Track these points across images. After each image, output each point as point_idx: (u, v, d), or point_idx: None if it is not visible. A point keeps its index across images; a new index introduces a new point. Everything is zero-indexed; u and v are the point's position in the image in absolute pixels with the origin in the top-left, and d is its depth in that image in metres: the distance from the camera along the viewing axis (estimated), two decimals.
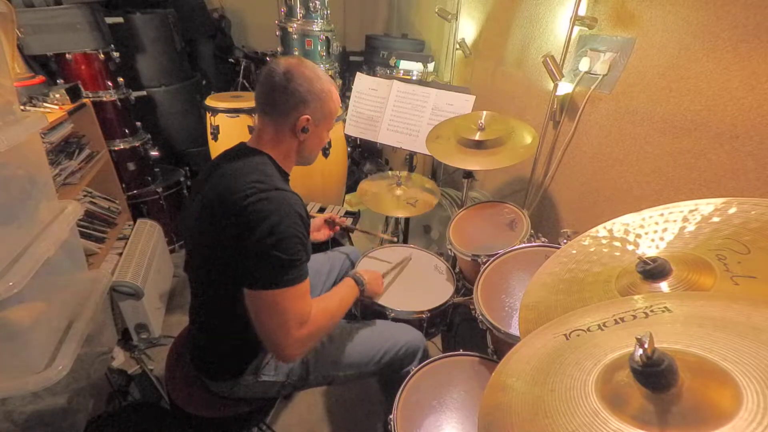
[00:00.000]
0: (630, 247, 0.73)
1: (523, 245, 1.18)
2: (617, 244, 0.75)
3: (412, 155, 2.01)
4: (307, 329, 0.85)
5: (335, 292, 1.02)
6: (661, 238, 0.71)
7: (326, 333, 0.97)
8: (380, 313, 1.20)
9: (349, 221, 1.65)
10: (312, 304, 0.87)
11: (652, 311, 0.51)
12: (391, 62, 2.32)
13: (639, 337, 0.41)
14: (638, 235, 0.74)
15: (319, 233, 1.36)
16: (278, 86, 0.87)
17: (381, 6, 3.34)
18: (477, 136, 1.39)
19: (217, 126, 1.86)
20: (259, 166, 0.87)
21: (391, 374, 1.09)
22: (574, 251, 0.80)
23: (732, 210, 0.65)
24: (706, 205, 0.69)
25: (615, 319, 0.52)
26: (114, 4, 2.07)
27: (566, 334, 0.54)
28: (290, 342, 0.83)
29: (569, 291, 0.72)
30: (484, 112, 1.46)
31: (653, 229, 0.73)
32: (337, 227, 1.39)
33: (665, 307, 0.51)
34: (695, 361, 0.42)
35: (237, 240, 0.79)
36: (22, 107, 1.39)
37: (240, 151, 0.93)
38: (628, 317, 0.52)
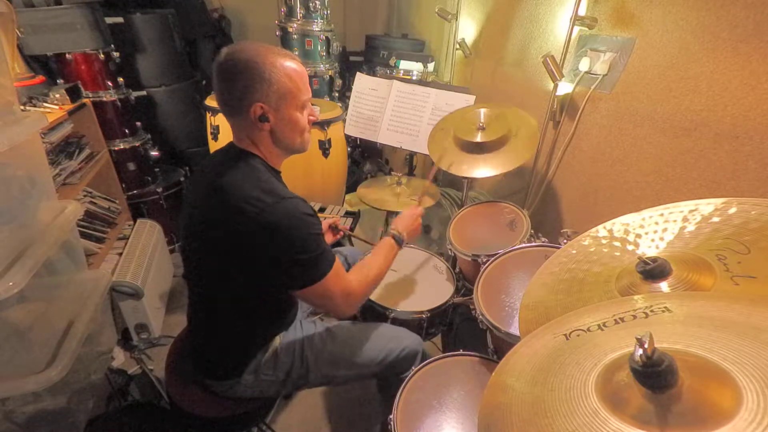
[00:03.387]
0: (630, 247, 0.73)
1: (523, 245, 1.17)
2: (617, 244, 0.75)
3: (412, 155, 2.01)
4: (354, 297, 0.93)
5: (376, 255, 1.03)
6: (661, 238, 0.71)
7: (374, 289, 1.03)
8: (381, 313, 1.20)
9: (349, 221, 1.65)
10: (352, 275, 0.94)
11: (652, 311, 0.51)
12: (391, 62, 2.32)
13: (639, 337, 0.41)
14: (638, 235, 0.74)
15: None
16: (222, 83, 0.82)
17: (381, 6, 3.34)
18: (478, 138, 1.39)
19: (217, 126, 1.86)
20: (255, 173, 0.85)
21: (389, 377, 1.09)
22: (574, 251, 0.80)
23: (732, 210, 0.65)
24: (706, 205, 0.69)
25: (615, 319, 0.52)
26: (114, 4, 2.07)
27: (566, 334, 0.54)
28: (342, 310, 0.93)
29: (569, 291, 0.72)
30: (483, 109, 1.46)
31: (653, 229, 0.73)
32: (341, 233, 1.39)
33: (665, 307, 0.51)
34: (695, 361, 0.42)
35: (262, 255, 0.82)
36: (22, 107, 1.39)
37: (230, 155, 0.89)
38: (628, 317, 0.52)
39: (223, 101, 0.85)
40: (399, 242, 1.08)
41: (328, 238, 1.37)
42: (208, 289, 0.93)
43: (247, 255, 0.82)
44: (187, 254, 0.95)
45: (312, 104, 0.94)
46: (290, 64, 0.84)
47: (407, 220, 1.14)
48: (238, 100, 0.82)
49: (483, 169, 1.37)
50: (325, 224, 1.37)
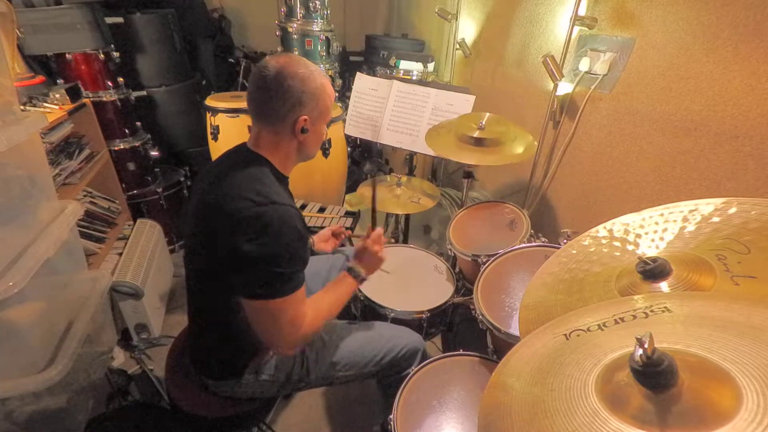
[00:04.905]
0: (630, 247, 0.73)
1: (523, 245, 1.18)
2: (617, 244, 0.75)
3: (412, 155, 2.01)
4: (303, 331, 0.87)
5: (330, 291, 0.99)
6: (661, 238, 0.71)
7: (321, 329, 0.97)
8: (381, 313, 1.20)
9: (349, 221, 1.65)
10: (308, 308, 0.89)
11: (652, 311, 0.51)
12: (391, 62, 2.32)
13: (639, 337, 0.41)
14: (638, 235, 0.74)
15: (327, 244, 1.37)
16: (272, 92, 0.84)
17: (381, 6, 3.34)
18: (476, 134, 1.40)
19: (217, 126, 1.86)
20: (258, 176, 0.86)
21: (389, 377, 1.09)
22: (574, 251, 0.80)
23: (732, 210, 0.65)
24: (706, 205, 0.69)
25: (615, 319, 0.52)
26: (114, 4, 2.06)
27: (566, 334, 0.54)
28: (286, 343, 0.88)
29: (569, 291, 0.72)
30: (487, 114, 1.46)
31: (653, 229, 0.73)
32: (342, 236, 1.40)
33: (665, 307, 0.51)
34: (695, 361, 0.42)
35: (232, 252, 0.79)
36: (22, 107, 1.39)
37: (239, 156, 0.91)
38: (628, 317, 0.52)
39: (268, 111, 0.87)
40: (356, 277, 1.02)
41: (332, 244, 1.38)
42: (207, 289, 0.93)
43: (228, 252, 0.80)
44: (187, 253, 0.96)
45: None
46: (329, 85, 0.92)
47: (369, 258, 1.05)
48: (288, 110, 0.86)
49: (476, 159, 1.37)
50: (328, 231, 1.38)
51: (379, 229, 1.09)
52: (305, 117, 0.87)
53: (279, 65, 0.85)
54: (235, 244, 0.79)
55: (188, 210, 0.93)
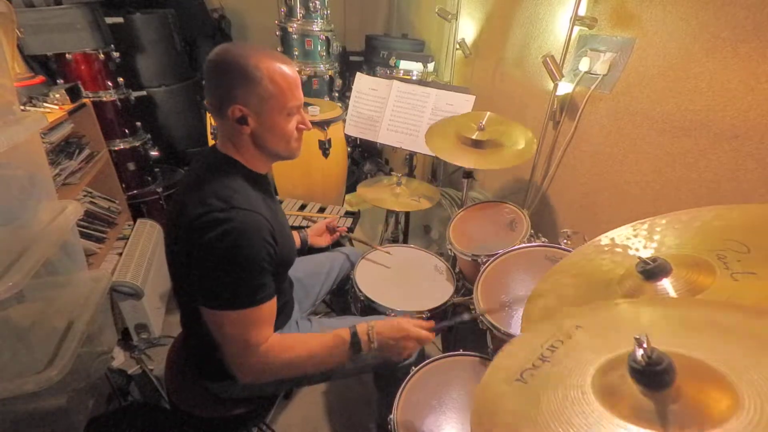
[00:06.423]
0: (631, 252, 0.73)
1: (523, 245, 1.18)
2: (618, 250, 0.75)
3: (412, 155, 2.01)
4: (259, 359, 0.80)
5: (317, 340, 0.87)
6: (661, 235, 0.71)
7: (285, 375, 0.87)
8: (381, 313, 1.20)
9: (348, 221, 1.65)
10: (279, 338, 0.83)
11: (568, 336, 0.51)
12: (391, 62, 2.32)
13: (637, 337, 0.41)
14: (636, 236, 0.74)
15: (321, 239, 1.36)
16: (207, 82, 0.79)
17: (381, 6, 3.34)
18: (476, 136, 1.40)
19: (217, 126, 1.86)
20: (224, 180, 0.81)
21: (388, 375, 1.08)
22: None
23: (732, 213, 0.65)
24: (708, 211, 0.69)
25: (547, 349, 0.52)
26: (114, 4, 2.07)
27: (520, 377, 0.52)
28: (236, 365, 0.81)
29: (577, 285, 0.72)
30: (487, 113, 1.46)
31: (654, 235, 0.73)
32: (338, 233, 1.37)
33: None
34: (693, 364, 0.42)
35: (187, 257, 0.77)
36: (21, 107, 1.39)
37: (208, 159, 0.87)
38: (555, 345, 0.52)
39: (208, 101, 0.82)
40: (355, 345, 0.87)
41: (326, 239, 1.37)
42: (184, 295, 0.91)
43: (186, 258, 0.77)
44: (167, 258, 0.93)
45: (312, 104, 0.92)
46: (279, 68, 0.78)
47: (395, 331, 0.90)
48: (219, 101, 0.79)
49: (475, 162, 1.38)
50: (322, 224, 1.37)
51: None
52: (238, 106, 0.78)
53: (214, 52, 0.78)
54: (190, 249, 0.76)
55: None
